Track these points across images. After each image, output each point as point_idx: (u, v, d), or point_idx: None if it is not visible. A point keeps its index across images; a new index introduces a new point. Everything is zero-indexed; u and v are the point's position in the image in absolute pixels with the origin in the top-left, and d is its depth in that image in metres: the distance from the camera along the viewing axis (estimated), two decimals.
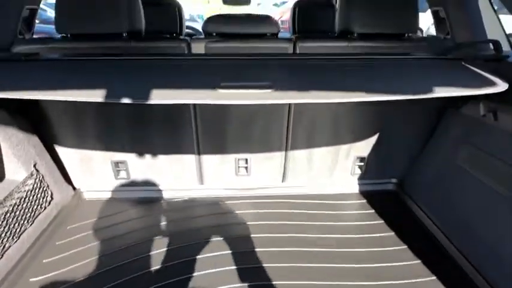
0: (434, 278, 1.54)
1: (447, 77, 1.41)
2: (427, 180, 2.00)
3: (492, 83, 1.32)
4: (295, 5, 3.38)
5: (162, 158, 2.11)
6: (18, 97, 1.19)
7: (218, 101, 1.18)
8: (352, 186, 2.26)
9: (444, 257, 1.68)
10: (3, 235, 1.55)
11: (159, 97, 1.16)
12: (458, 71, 1.47)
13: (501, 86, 1.29)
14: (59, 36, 1.88)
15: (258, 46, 1.88)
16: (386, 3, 1.84)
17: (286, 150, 2.11)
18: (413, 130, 2.03)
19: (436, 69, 1.51)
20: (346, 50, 1.84)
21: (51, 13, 8.39)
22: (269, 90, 1.22)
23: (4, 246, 1.55)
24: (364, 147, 2.13)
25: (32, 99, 1.66)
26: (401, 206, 2.13)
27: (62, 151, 2.03)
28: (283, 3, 18.07)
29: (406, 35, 1.90)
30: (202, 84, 1.25)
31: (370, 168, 2.21)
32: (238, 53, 1.81)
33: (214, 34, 1.90)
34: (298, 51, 1.86)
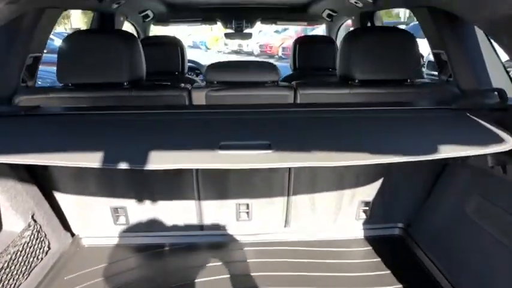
0: None
1: (452, 133, 1.38)
2: (434, 227, 1.94)
3: (500, 139, 1.29)
4: (296, 42, 3.42)
5: (161, 203, 2.08)
6: (15, 162, 1.18)
7: (217, 165, 1.16)
8: (357, 231, 2.20)
9: None
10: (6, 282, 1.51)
11: (159, 162, 1.15)
12: (464, 125, 1.44)
13: (509, 144, 1.26)
14: (60, 85, 1.89)
15: (259, 94, 1.88)
16: (387, 49, 1.83)
17: (288, 195, 2.07)
18: (419, 175, 1.99)
19: (440, 123, 1.48)
20: (347, 97, 1.82)
21: (58, 42, 8.61)
22: (269, 151, 1.19)
23: None
24: (369, 191, 2.09)
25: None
26: (407, 252, 2.06)
27: (60, 197, 2.00)
28: (285, 30, 18.51)
29: (408, 80, 1.89)
30: (202, 144, 1.24)
31: (375, 212, 2.15)
32: (238, 104, 1.81)
33: (216, 82, 1.91)
34: (299, 99, 1.85)
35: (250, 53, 19.43)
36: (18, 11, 1.52)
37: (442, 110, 1.58)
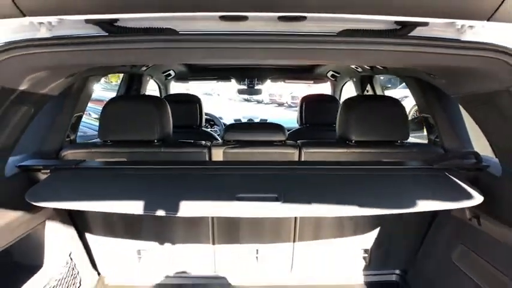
0: None
1: (431, 189, 1.64)
2: (427, 274, 2.12)
3: (470, 196, 1.54)
4: (303, 100, 3.78)
5: (180, 247, 2.31)
6: (68, 208, 1.47)
7: (233, 214, 1.44)
8: (357, 277, 2.38)
9: None
10: None
11: (184, 211, 1.43)
12: (442, 183, 1.69)
13: (477, 199, 1.51)
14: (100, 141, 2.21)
15: (269, 152, 2.18)
16: (378, 115, 2.14)
17: (294, 241, 2.29)
18: (411, 226, 2.21)
19: (422, 181, 1.74)
20: (345, 156, 2.10)
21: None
22: (277, 203, 1.47)
23: None
24: (367, 239, 2.30)
25: None
26: None
27: (91, 239, 2.25)
28: None
29: (398, 141, 2.17)
30: (219, 196, 1.51)
31: (373, 259, 2.35)
32: (251, 160, 2.11)
33: (232, 141, 2.22)
34: (303, 156, 2.14)
35: (260, 101, 20.04)
36: (71, 82, 1.88)
37: (425, 169, 1.84)
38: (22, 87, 1.46)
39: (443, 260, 1.97)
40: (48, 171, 1.79)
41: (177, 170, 1.84)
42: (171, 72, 4.08)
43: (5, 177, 1.61)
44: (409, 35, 1.27)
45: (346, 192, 1.61)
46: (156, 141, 2.11)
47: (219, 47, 1.32)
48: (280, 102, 18.60)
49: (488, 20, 1.15)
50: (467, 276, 1.75)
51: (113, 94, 6.82)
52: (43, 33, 1.28)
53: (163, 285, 2.34)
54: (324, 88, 5.17)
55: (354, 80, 3.88)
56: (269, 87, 18.61)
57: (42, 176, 1.80)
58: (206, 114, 4.66)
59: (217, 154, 2.16)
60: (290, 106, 17.18)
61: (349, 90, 4.25)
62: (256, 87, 4.53)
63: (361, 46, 1.30)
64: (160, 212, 1.47)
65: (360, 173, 1.80)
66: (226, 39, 1.28)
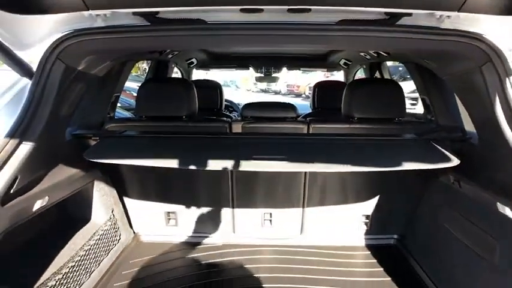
0: None
1: (417, 154, 1.93)
2: (421, 237, 2.41)
3: (449, 159, 1.83)
4: (315, 86, 4.07)
5: (204, 210, 2.68)
6: (118, 162, 1.83)
7: (251, 168, 1.76)
8: (359, 240, 2.69)
9: None
10: (91, 259, 2.12)
11: (209, 166, 1.76)
12: (427, 149, 1.97)
13: (454, 162, 1.79)
14: (136, 116, 2.57)
15: (282, 126, 2.49)
16: (379, 96, 2.40)
17: (303, 207, 2.61)
18: (407, 194, 2.50)
19: (411, 147, 2.03)
20: (348, 131, 2.39)
21: None
22: (287, 162, 1.79)
23: (90, 269, 2.11)
24: (368, 206, 2.60)
25: (115, 164, 2.32)
26: (401, 260, 2.51)
27: (128, 202, 2.64)
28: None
29: (396, 119, 2.44)
30: (239, 156, 1.84)
31: (373, 224, 2.65)
32: (267, 132, 2.43)
33: (249, 117, 2.55)
34: (311, 130, 2.45)
35: (278, 92, 20.23)
36: (112, 65, 2.23)
37: (415, 140, 2.12)
38: (79, 68, 1.82)
39: (434, 223, 2.25)
40: (98, 138, 2.16)
41: (203, 140, 2.18)
42: (194, 60, 4.41)
43: (66, 141, 1.98)
44: (396, 23, 1.55)
45: (346, 154, 1.91)
46: (184, 117, 2.44)
47: (239, 34, 1.64)
48: (297, 92, 18.74)
49: (458, 10, 1.42)
50: (453, 235, 2.02)
51: (134, 84, 7.24)
52: (99, 23, 1.63)
53: (188, 243, 2.71)
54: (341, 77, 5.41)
55: (364, 67, 4.13)
56: (287, 79, 18.86)
57: (92, 142, 2.17)
58: (226, 100, 5.00)
59: (237, 128, 2.49)
60: (308, 97, 17.37)
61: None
62: (273, 75, 4.84)
63: (355, 33, 1.59)
64: (190, 166, 1.81)
65: (359, 142, 2.09)
66: (246, 27, 1.60)
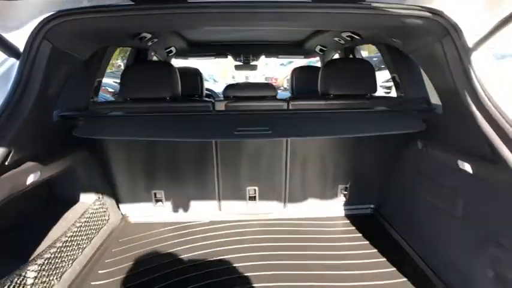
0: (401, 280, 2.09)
1: (387, 122, 2.10)
2: (395, 204, 2.59)
3: (415, 126, 2.00)
4: (293, 71, 4.20)
5: (190, 190, 2.77)
6: (104, 138, 1.92)
7: (236, 139, 1.88)
8: (339, 210, 2.86)
9: (410, 265, 2.22)
10: (79, 239, 2.19)
11: (194, 137, 1.86)
12: (396, 119, 2.15)
13: (421, 127, 1.97)
14: (120, 99, 2.63)
15: (263, 105, 2.61)
16: (351, 73, 2.55)
17: (285, 182, 2.75)
18: (382, 164, 2.68)
19: (382, 117, 2.20)
20: (325, 107, 2.54)
21: None
22: (269, 132, 1.91)
23: (83, 246, 2.18)
24: (346, 178, 2.77)
25: (102, 145, 2.38)
26: (378, 226, 2.70)
27: (116, 183, 2.70)
28: (290, 62, 19.60)
29: (368, 94, 2.60)
30: (223, 130, 1.95)
31: (352, 195, 2.82)
32: (248, 109, 2.55)
33: (232, 97, 2.66)
34: (290, 107, 2.58)
35: None
36: (96, 48, 2.28)
37: (385, 111, 2.29)
38: (65, 49, 1.87)
39: (408, 189, 2.42)
40: (84, 119, 2.22)
41: (188, 116, 2.27)
42: (173, 48, 4.46)
43: (54, 122, 2.04)
44: (363, 2, 1.68)
45: (324, 123, 2.06)
46: (168, 98, 2.52)
47: (218, 11, 1.73)
48: (276, 85, 18.88)
49: None
50: (424, 198, 2.19)
51: (110, 80, 7.16)
52: (85, 3, 1.70)
53: (176, 222, 2.80)
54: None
55: (339, 52, 4.29)
56: (265, 72, 18.99)
57: (79, 123, 2.23)
58: (206, 89, 5.07)
59: (220, 107, 2.59)
60: (286, 89, 17.54)
61: None
62: (251, 63, 4.95)
63: (326, 10, 1.72)
64: (178, 138, 1.92)
65: (335, 114, 2.24)
66: (224, 5, 1.69)
